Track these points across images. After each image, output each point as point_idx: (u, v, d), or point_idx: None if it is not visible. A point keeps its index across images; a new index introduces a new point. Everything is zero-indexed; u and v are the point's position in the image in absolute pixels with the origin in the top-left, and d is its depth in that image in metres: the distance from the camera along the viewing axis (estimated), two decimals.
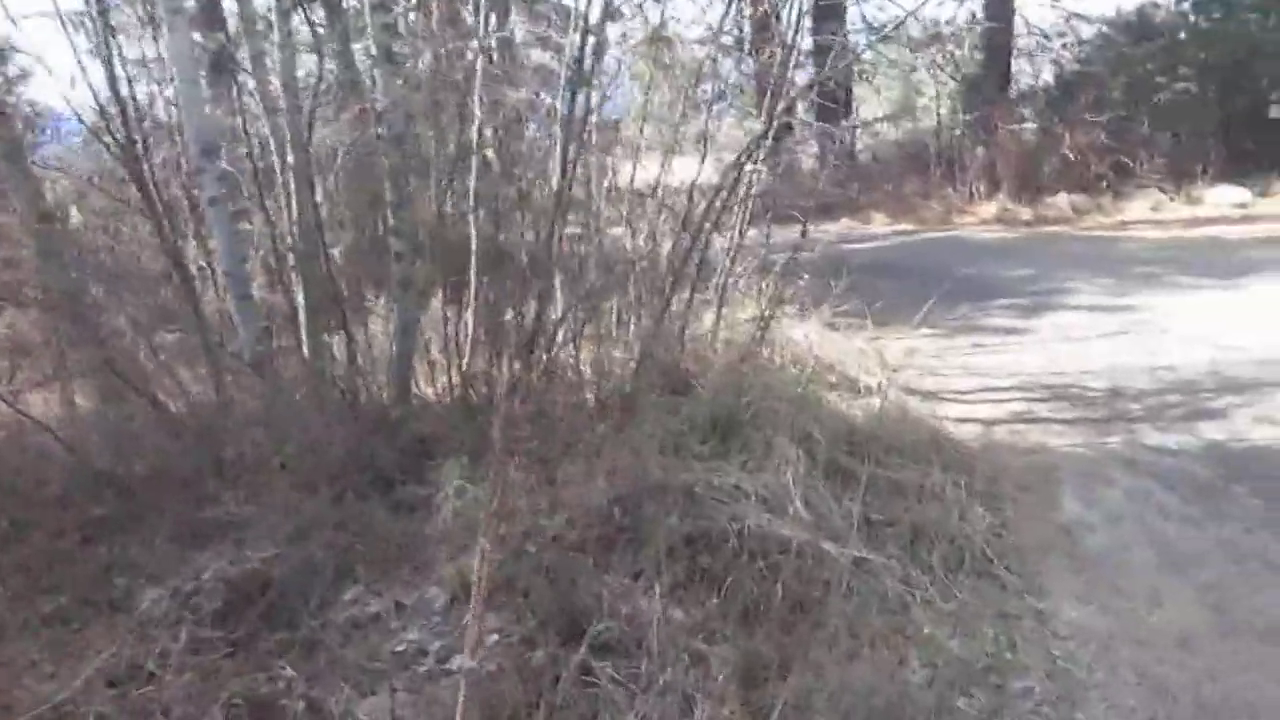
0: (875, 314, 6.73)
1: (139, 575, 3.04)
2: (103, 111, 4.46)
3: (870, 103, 18.84)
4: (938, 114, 16.26)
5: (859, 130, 17.14)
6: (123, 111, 4.35)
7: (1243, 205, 11.36)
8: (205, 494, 3.51)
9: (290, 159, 4.73)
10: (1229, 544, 3.33)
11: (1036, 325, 6.53)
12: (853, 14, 16.59)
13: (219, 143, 4.42)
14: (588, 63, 6.27)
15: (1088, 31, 14.83)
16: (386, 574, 2.94)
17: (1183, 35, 14.17)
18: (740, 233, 5.64)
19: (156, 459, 3.81)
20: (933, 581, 2.97)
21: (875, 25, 16.10)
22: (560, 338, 5.06)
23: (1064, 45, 14.60)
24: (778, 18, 12.02)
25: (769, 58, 5.98)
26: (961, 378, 5.55)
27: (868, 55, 17.98)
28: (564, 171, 4.44)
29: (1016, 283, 8.07)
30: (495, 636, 2.57)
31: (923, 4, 5.43)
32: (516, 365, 4.53)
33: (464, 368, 4.97)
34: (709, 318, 5.60)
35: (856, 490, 3.37)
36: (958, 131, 14.97)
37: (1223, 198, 11.57)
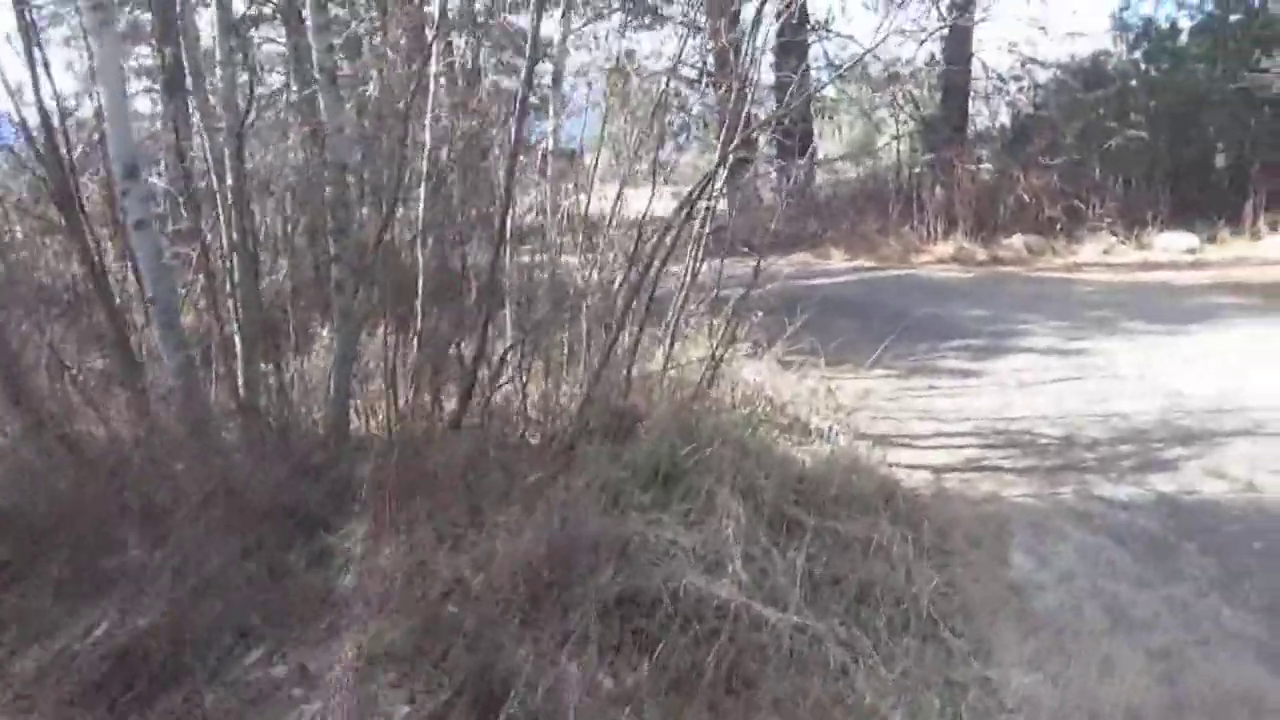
0: (831, 353, 6.62)
1: (27, 630, 2.78)
2: (24, 124, 4.23)
3: (832, 140, 19.00)
4: (897, 153, 16.40)
5: (818, 167, 17.25)
6: (47, 126, 4.11)
7: (1192, 251, 11.50)
8: (110, 538, 3.25)
9: (229, 180, 4.52)
10: (1181, 606, 3.21)
11: (992, 368, 6.45)
12: (816, 51, 16.71)
13: (141, 162, 4.19)
14: (541, 89, 6.10)
15: (1043, 76, 15.06)
16: (295, 634, 2.70)
17: (1134, 83, 14.42)
18: (694, 268, 5.49)
19: (64, 499, 3.54)
20: (877, 645, 2.80)
21: (837, 63, 16.25)
22: (505, 373, 4.88)
23: (1020, 89, 14.80)
24: (737, 51, 12.00)
25: (727, 92, 5.89)
26: (916, 421, 5.43)
27: (830, 93, 18.24)
28: (506, 199, 4.26)
29: (972, 323, 8.03)
30: (405, 709, 2.36)
31: (880, 42, 5.28)
32: (453, 403, 4.33)
33: (403, 403, 4.76)
34: (661, 355, 5.44)
35: (802, 543, 3.21)
36: (917, 170, 15.09)
37: (1172, 243, 11.71)
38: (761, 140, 16.87)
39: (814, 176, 16.65)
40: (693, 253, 5.51)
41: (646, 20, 16.00)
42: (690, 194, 4.35)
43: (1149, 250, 11.83)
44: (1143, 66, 14.73)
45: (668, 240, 4.34)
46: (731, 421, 4.61)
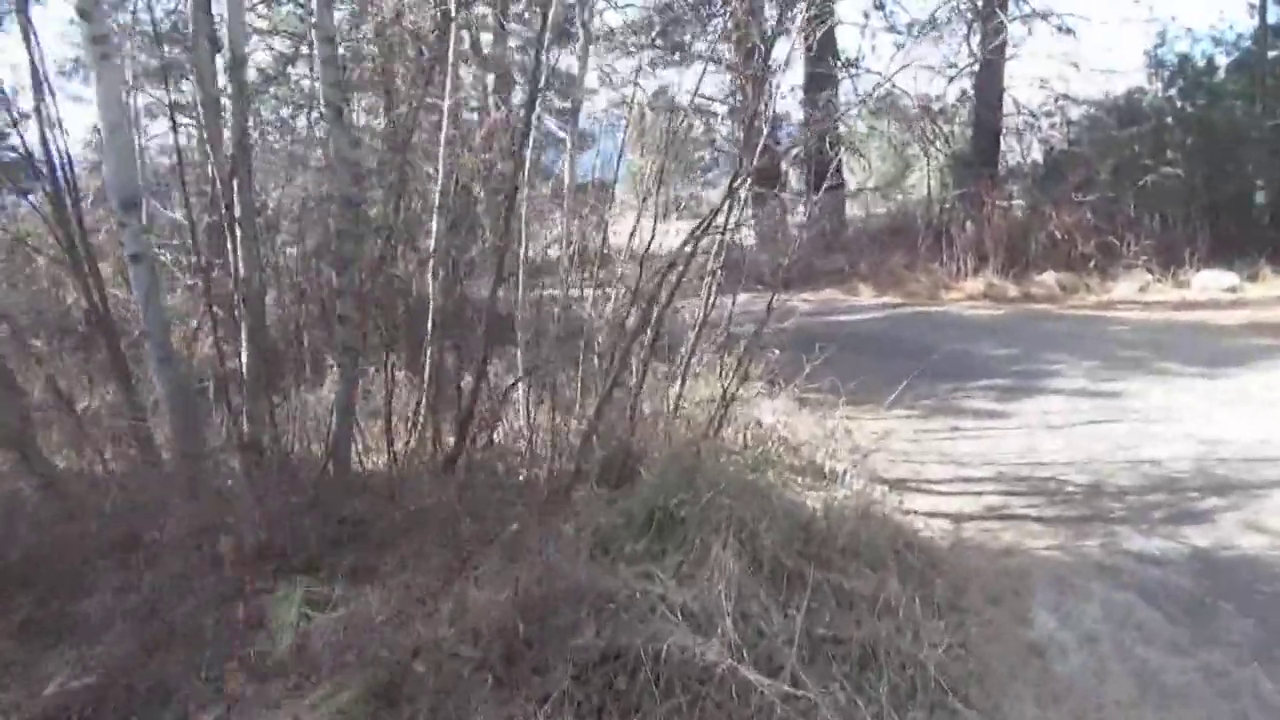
0: (851, 392, 6.38)
1: None
2: (31, 157, 4.20)
3: (861, 174, 18.81)
4: (928, 188, 16.16)
5: (848, 198, 17.06)
6: (50, 160, 4.07)
7: (1232, 289, 11.10)
8: (85, 579, 3.12)
9: (238, 212, 4.45)
10: (1218, 675, 2.93)
11: (1018, 409, 6.18)
12: (846, 88, 16.57)
13: (141, 195, 4.12)
14: (547, 122, 5.95)
15: (1075, 113, 14.79)
16: (256, 691, 2.53)
17: (1169, 120, 14.10)
18: (708, 303, 5.32)
19: (45, 535, 3.43)
20: (879, 716, 2.57)
21: (866, 98, 16.11)
22: (508, 410, 4.72)
23: (1052, 125, 14.54)
24: (758, 85, 11.91)
25: (744, 125, 5.76)
26: (936, 465, 5.18)
27: (861, 127, 18.08)
28: (506, 230, 4.14)
29: (1000, 362, 7.75)
30: None
31: (900, 69, 5.11)
32: (450, 441, 4.18)
33: (401, 441, 4.62)
34: (674, 392, 5.27)
35: (803, 600, 2.99)
36: (947, 206, 14.85)
37: (1211, 281, 11.32)
38: (792, 175, 16.86)
39: (843, 211, 16.49)
40: (707, 287, 5.34)
41: (676, 57, 15.98)
42: (697, 228, 4.19)
43: (1186, 289, 11.44)
44: (1178, 104, 14.40)
45: (673, 276, 4.17)
46: (740, 464, 4.40)
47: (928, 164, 16.14)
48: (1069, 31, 14.72)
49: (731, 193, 4.23)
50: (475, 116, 6.78)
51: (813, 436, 5.41)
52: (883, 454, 5.37)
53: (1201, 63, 14.59)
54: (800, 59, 14.64)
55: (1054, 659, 3.05)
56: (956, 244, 12.92)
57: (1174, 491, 4.48)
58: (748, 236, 16.11)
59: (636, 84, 10.09)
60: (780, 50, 15.44)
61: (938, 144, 15.69)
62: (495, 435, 4.65)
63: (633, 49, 14.47)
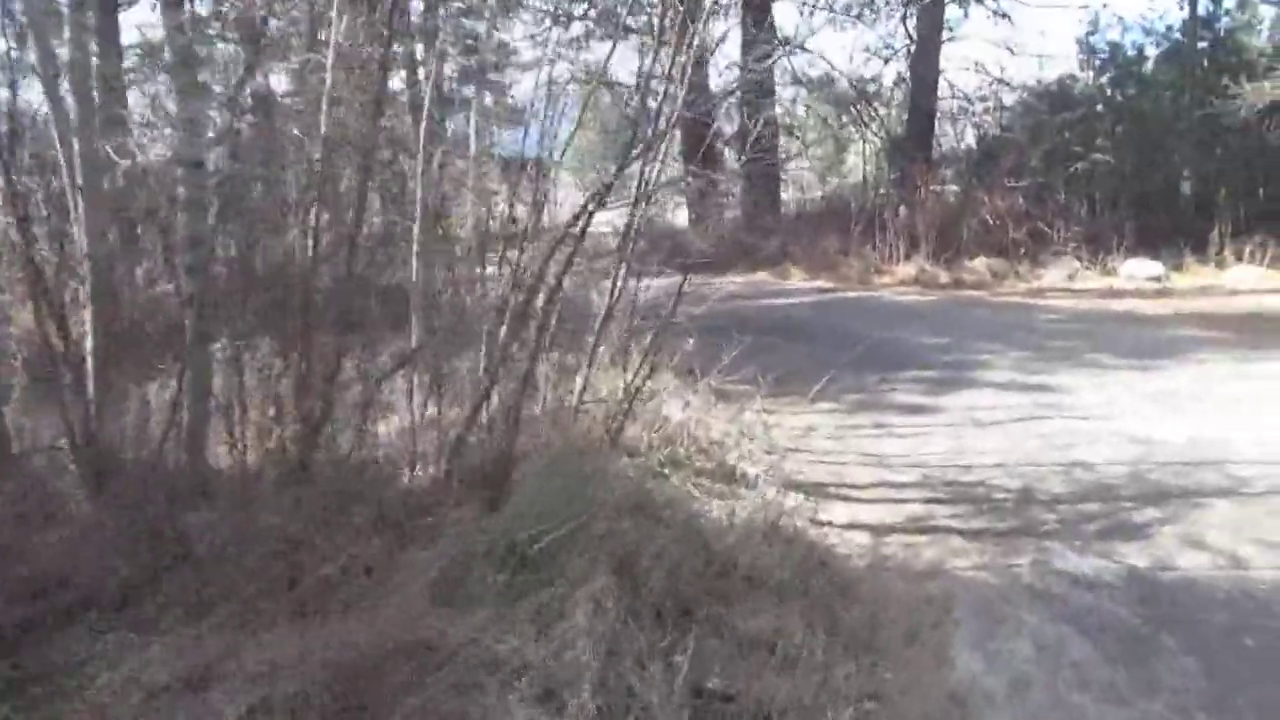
0: (775, 383, 5.92)
1: None
2: None
3: (798, 158, 18.39)
4: (864, 172, 15.81)
5: (783, 183, 16.63)
6: None
7: (1157, 279, 10.94)
8: None
9: (79, 179, 3.77)
10: None
11: (947, 404, 5.77)
12: (784, 66, 16.05)
13: None
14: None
15: (1009, 98, 14.54)
16: None
17: (1100, 108, 13.92)
18: (615, 286, 4.77)
19: None
20: None
21: (803, 79, 15.67)
22: (375, 406, 4.12)
23: (986, 110, 14.27)
24: (698, 63, 11.32)
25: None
26: (858, 466, 4.73)
27: (800, 110, 17.64)
28: (361, 205, 3.54)
29: (929, 352, 7.37)
30: None
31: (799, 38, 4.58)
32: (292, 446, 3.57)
33: (265, 442, 4.00)
34: (577, 386, 4.73)
35: (690, 644, 2.49)
36: (882, 190, 14.50)
37: (1138, 270, 11.14)
38: (728, 154, 16.34)
39: (777, 193, 16.06)
40: (614, 268, 4.80)
41: (608, 29, 15.29)
42: (585, 205, 3.63)
43: (1114, 277, 11.25)
44: (1109, 92, 14.24)
45: (561, 255, 3.61)
46: (640, 469, 3.89)
47: (863, 147, 15.79)
48: (1005, 16, 14.44)
49: (623, 167, 3.67)
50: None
51: (727, 434, 4.92)
52: (802, 454, 4.91)
53: (1132, 52, 14.46)
54: (737, 35, 14.12)
55: (980, 711, 2.59)
56: (890, 228, 12.55)
57: (1108, 500, 4.09)
58: (678, 216, 15.63)
59: (557, 57, 9.47)
60: (717, 29, 14.84)
61: (872, 127, 15.33)
62: (367, 433, 4.05)
63: (562, 18, 13.74)
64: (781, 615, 2.75)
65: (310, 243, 4.56)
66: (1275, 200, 12.73)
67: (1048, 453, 4.72)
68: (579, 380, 4.66)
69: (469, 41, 8.37)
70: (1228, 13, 13.82)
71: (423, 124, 4.71)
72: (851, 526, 3.87)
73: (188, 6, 4.25)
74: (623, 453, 4.13)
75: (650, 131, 4.13)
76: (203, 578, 2.83)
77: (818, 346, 7.64)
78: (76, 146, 3.73)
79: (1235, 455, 4.49)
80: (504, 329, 3.68)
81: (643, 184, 4.71)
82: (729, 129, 16.62)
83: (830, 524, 3.87)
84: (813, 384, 5.83)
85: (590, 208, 3.58)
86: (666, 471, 4.07)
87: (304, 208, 5.26)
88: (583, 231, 3.60)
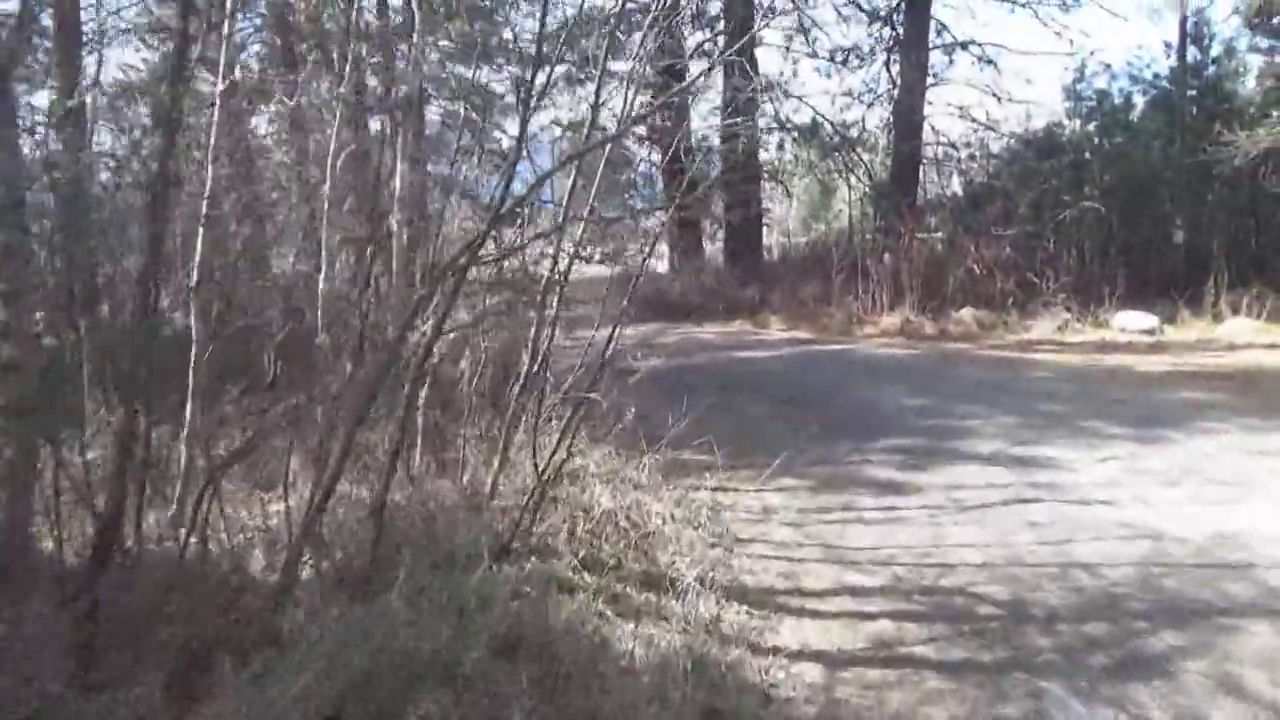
0: (736, 452, 5.18)
1: None
2: None
3: (784, 204, 17.80)
4: (849, 218, 15.17)
5: (766, 229, 16.01)
6: None
7: (1151, 332, 10.21)
8: None
9: None
10: None
11: (925, 481, 4.98)
12: (768, 112, 15.47)
13: None
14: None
15: (996, 145, 13.94)
16: None
17: (1088, 155, 13.31)
18: (537, 345, 4.02)
19: None
20: None
21: (786, 123, 15.08)
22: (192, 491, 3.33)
23: (971, 156, 13.65)
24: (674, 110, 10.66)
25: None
26: (818, 563, 3.92)
27: (786, 154, 17.03)
28: (153, 245, 2.80)
29: (910, 415, 6.59)
30: None
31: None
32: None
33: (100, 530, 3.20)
34: (493, 468, 3.97)
35: None
36: (867, 236, 13.84)
37: (1130, 323, 10.41)
38: (717, 201, 15.71)
39: (759, 239, 15.42)
40: (538, 323, 4.05)
41: (590, 72, 14.74)
42: (471, 243, 2.87)
43: (1106, 329, 10.53)
44: (1097, 139, 13.63)
45: (442, 294, 2.85)
46: (542, 579, 3.09)
47: (849, 193, 15.16)
48: (990, 63, 13.90)
49: (503, 200, 2.94)
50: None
51: (669, 519, 4.12)
52: (755, 545, 4.10)
53: (1120, 100, 13.88)
54: (720, 80, 13.55)
55: None
56: (872, 277, 11.85)
57: (1116, 618, 3.28)
58: (657, 264, 14.94)
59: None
60: (699, 69, 14.24)
61: (857, 173, 14.71)
62: (208, 524, 3.26)
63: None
64: None
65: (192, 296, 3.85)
66: (1269, 249, 12.08)
67: (1041, 549, 3.92)
68: (498, 459, 3.90)
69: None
70: (1215, 60, 13.27)
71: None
72: (801, 655, 3.06)
73: None
74: (527, 556, 3.33)
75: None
76: None
77: (789, 407, 6.88)
78: None
79: (1267, 557, 3.69)
80: (358, 390, 2.90)
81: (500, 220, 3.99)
82: (711, 174, 16.03)
83: (776, 651, 3.06)
84: (777, 453, 5.06)
85: (478, 244, 2.82)
86: (582, 579, 3.26)
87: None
88: (465, 268, 2.83)
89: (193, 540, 3.04)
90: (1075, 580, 3.60)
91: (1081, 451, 5.38)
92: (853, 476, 5.14)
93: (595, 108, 4.24)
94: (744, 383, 7.88)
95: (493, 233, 2.99)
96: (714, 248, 15.84)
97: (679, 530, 4.00)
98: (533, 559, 3.33)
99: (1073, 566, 3.73)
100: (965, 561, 3.84)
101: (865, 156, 14.66)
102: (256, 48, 9.76)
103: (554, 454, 3.52)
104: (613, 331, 3.72)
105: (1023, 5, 13.74)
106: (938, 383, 7.79)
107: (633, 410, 4.51)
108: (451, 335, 3.60)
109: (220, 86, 3.85)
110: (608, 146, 4.75)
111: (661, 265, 14.91)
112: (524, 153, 3.91)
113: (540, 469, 3.49)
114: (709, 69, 13.19)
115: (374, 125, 6.65)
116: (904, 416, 6.51)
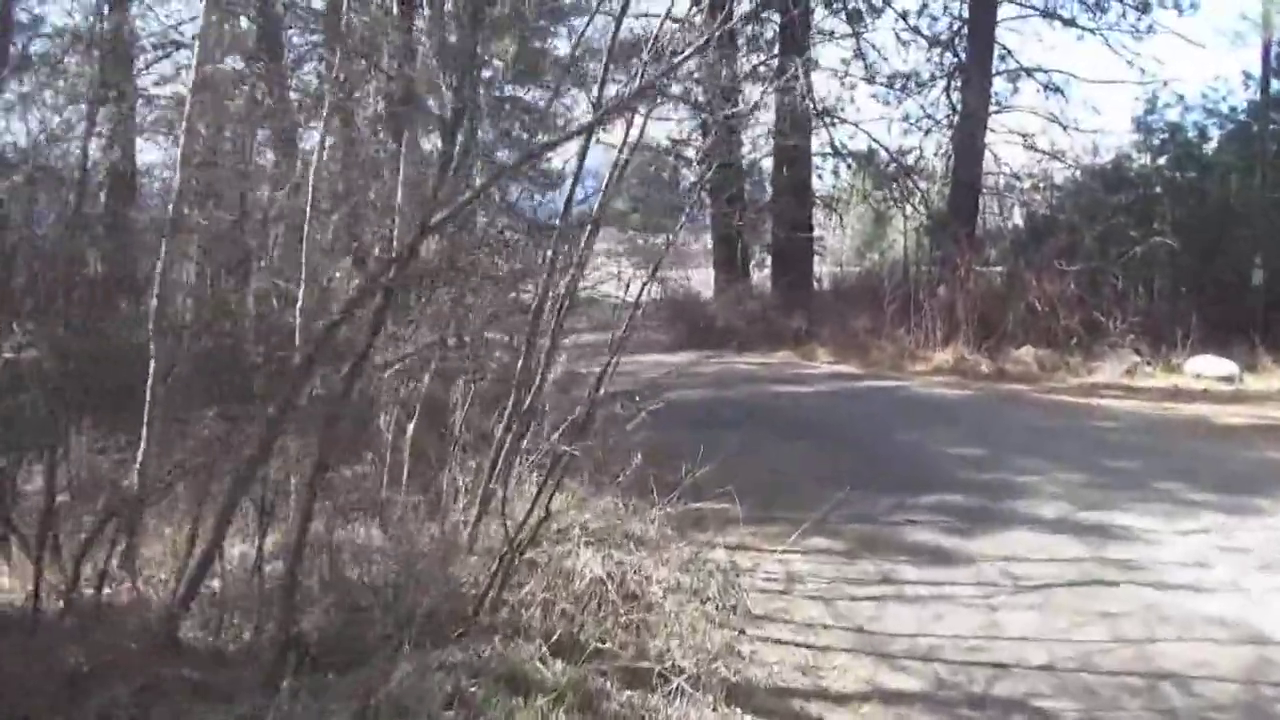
0: (763, 503, 4.54)
1: None
2: None
3: (837, 232, 17.04)
4: (904, 248, 14.34)
5: (818, 258, 15.29)
6: None
7: (1229, 380, 9.22)
8: None
9: None
10: None
11: (977, 549, 4.26)
12: (824, 138, 14.78)
13: None
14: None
15: (1060, 176, 13.01)
16: None
17: (1158, 189, 12.30)
18: (535, 365, 3.45)
19: None
20: None
21: (841, 149, 14.38)
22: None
23: (1034, 186, 12.74)
24: (732, 131, 10.00)
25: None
26: (845, 654, 3.23)
27: (842, 180, 16.28)
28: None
29: (962, 466, 5.84)
30: None
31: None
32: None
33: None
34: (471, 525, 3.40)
35: None
36: (923, 268, 13.01)
37: (1206, 369, 9.43)
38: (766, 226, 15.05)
39: (809, 267, 14.69)
40: (542, 351, 3.48)
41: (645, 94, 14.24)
42: (396, 257, 2.30)
43: (1178, 375, 9.56)
44: (1168, 173, 12.60)
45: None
46: (500, 668, 2.49)
47: (904, 223, 14.34)
48: (1057, 90, 13.02)
49: (429, 220, 2.37)
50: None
51: (675, 588, 3.49)
52: (773, 626, 3.44)
53: (1194, 133, 12.84)
54: (773, 104, 12.95)
55: None
56: (926, 310, 11.03)
57: None
58: (702, 290, 14.30)
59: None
60: (753, 93, 13.60)
61: (913, 201, 13.90)
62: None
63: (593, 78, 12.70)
64: None
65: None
66: None
67: (1118, 650, 3.18)
68: (474, 515, 3.32)
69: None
70: None
71: None
72: None
73: None
74: (491, 633, 2.73)
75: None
76: None
77: (829, 452, 6.18)
78: None
79: None
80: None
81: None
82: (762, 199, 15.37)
83: None
84: (810, 507, 4.41)
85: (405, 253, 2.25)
86: (551, 671, 2.64)
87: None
88: (376, 319, 2.26)
89: (88, 591, 2.53)
90: (1164, 699, 2.87)
91: (1159, 520, 4.59)
92: (894, 540, 4.44)
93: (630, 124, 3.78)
94: (782, 421, 7.20)
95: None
96: (762, 275, 15.14)
97: (682, 603, 3.35)
98: (496, 639, 2.73)
99: (1158, 677, 2.99)
100: (1024, 661, 3.12)
101: (922, 185, 13.85)
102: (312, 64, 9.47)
103: (529, 514, 2.92)
104: (603, 371, 3.12)
105: (1092, 32, 12.85)
106: (993, 428, 7.01)
107: (639, 457, 3.89)
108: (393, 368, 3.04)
109: (191, 78, 3.40)
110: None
111: (707, 290, 14.26)
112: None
113: (512, 532, 2.89)
114: (763, 94, 12.67)
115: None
116: (955, 468, 5.77)
